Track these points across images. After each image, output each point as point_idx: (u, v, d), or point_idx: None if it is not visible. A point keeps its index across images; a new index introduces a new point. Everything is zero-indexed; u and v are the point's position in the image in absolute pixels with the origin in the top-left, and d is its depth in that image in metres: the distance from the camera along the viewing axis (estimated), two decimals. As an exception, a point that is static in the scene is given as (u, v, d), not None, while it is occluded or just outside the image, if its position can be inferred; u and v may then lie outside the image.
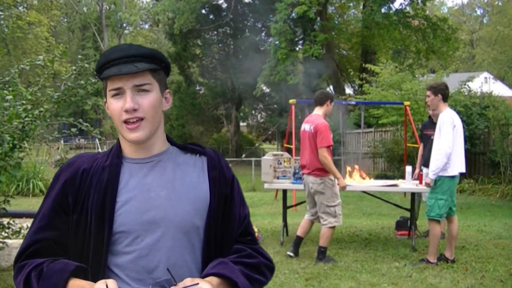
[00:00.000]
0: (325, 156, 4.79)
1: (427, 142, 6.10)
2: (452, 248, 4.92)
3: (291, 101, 9.60)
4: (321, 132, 4.80)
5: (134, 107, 1.28)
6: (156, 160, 1.37)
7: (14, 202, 4.67)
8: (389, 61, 14.26)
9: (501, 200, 10.17)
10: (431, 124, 6.09)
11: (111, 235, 1.29)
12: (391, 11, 19.59)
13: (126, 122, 1.30)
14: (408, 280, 4.36)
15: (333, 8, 26.21)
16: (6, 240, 4.31)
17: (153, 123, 1.33)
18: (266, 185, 5.80)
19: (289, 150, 9.07)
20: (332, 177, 4.92)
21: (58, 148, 16.44)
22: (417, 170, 6.33)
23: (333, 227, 4.96)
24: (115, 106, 1.30)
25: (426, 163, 6.02)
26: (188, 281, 1.20)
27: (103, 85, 1.35)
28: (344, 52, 27.39)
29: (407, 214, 5.96)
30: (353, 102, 13.25)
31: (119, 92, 1.30)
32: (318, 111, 5.05)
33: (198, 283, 1.19)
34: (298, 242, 5.18)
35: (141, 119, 1.30)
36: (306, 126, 5.02)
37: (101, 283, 1.17)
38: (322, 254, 4.95)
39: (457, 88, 12.80)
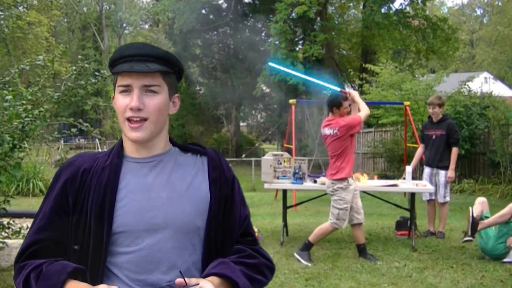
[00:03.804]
0: None
1: (429, 142, 6.09)
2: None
3: (291, 101, 9.60)
4: None
5: (139, 107, 1.28)
6: (157, 160, 1.37)
7: (14, 202, 4.67)
8: (389, 61, 14.26)
9: (501, 200, 10.15)
10: (431, 124, 6.09)
11: (110, 235, 1.28)
12: (391, 11, 19.60)
13: (129, 120, 1.30)
14: (408, 280, 4.36)
15: (333, 8, 26.23)
16: (6, 240, 4.31)
17: (156, 125, 1.33)
18: (266, 185, 5.79)
19: (289, 150, 9.06)
20: None
21: (58, 148, 16.44)
22: (411, 168, 6.32)
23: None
24: (121, 102, 1.31)
25: (428, 162, 6.04)
26: (193, 280, 1.21)
27: (113, 79, 1.36)
28: (344, 52, 27.40)
29: (407, 214, 5.96)
30: (353, 102, 13.20)
31: (127, 89, 1.30)
32: None
33: (199, 284, 1.19)
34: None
35: (145, 119, 1.30)
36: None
37: (103, 287, 1.16)
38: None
39: (457, 88, 12.80)
